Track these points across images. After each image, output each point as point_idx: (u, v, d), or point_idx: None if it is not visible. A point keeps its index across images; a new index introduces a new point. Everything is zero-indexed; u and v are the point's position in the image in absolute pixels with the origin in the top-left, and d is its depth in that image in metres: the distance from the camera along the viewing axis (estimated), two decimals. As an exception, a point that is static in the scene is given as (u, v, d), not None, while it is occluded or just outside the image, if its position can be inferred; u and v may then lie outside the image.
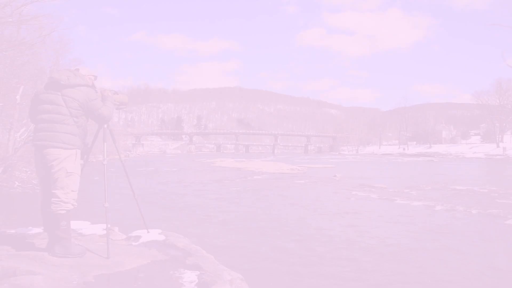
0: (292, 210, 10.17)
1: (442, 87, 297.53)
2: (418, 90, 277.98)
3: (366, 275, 4.97)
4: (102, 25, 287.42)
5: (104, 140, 3.54)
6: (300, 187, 15.92)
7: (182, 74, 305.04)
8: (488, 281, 4.77)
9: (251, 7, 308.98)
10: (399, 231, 7.58)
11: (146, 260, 3.08)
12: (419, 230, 7.66)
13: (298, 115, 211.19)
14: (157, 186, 16.09)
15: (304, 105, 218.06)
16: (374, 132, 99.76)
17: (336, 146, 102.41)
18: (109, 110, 3.34)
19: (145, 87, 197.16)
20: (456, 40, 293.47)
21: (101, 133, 3.57)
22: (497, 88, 70.52)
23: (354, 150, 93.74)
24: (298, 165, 30.52)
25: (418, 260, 5.60)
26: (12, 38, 12.29)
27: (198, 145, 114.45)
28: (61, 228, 3.04)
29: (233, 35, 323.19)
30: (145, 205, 10.58)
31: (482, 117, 76.48)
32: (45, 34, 10.64)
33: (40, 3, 9.58)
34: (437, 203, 10.76)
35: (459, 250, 6.09)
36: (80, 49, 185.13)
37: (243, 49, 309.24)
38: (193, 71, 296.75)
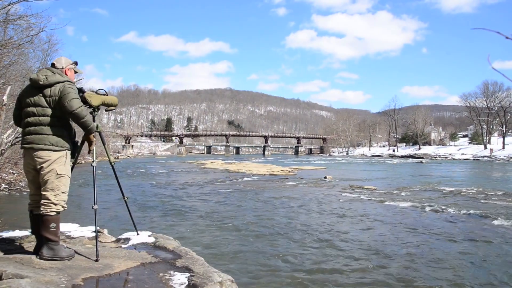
0: (279, 211, 10.19)
1: (431, 89, 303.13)
2: (407, 92, 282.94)
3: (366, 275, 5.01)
4: (91, 26, 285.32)
5: None
6: (291, 188, 15.96)
7: (172, 75, 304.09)
8: (476, 281, 4.85)
9: (242, 9, 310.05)
10: (383, 231, 7.67)
11: (136, 263, 3.06)
12: (403, 230, 7.75)
13: (288, 116, 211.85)
14: (147, 188, 15.99)
15: (294, 107, 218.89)
16: (364, 134, 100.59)
17: (326, 148, 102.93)
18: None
19: (135, 88, 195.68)
20: (444, 43, 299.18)
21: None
22: (484, 90, 71.65)
23: (344, 152, 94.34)
24: (288, 167, 30.58)
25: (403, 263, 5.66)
26: (-2, 38, 12.13)
27: (188, 147, 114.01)
28: (50, 230, 3.00)
29: (224, 36, 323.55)
30: (135, 207, 10.51)
31: (470, 119, 77.51)
32: (33, 34, 10.49)
33: (28, 3, 9.45)
34: (427, 204, 10.90)
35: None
36: (69, 49, 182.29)
37: (234, 50, 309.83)
38: (183, 72, 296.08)
